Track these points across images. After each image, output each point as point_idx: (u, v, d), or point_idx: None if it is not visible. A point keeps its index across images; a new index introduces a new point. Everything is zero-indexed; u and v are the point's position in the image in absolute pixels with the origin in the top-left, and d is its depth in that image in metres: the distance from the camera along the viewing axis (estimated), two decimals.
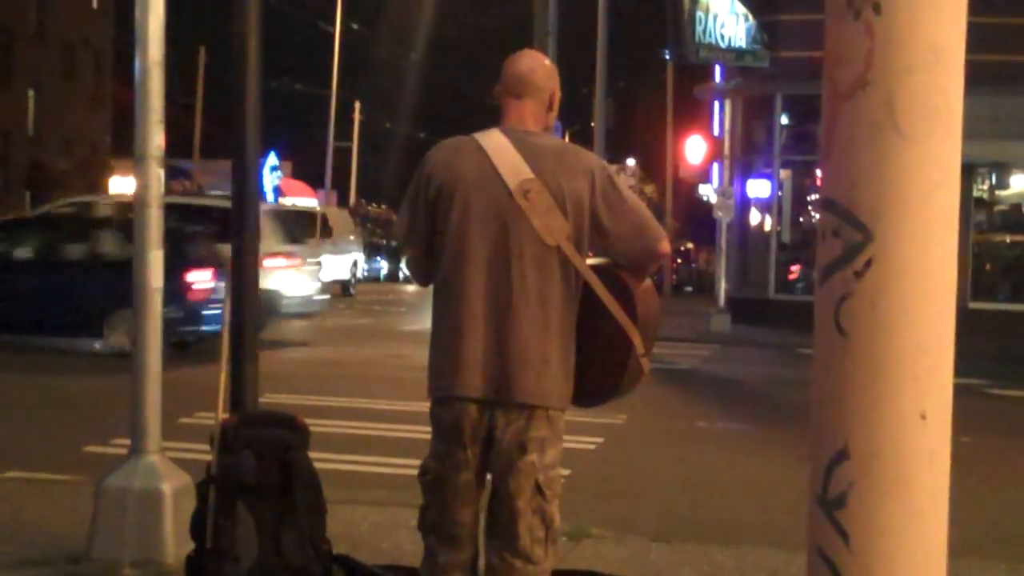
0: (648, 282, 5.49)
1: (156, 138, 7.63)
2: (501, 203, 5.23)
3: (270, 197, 65.34)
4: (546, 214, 5.20)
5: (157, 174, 7.66)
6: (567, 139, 47.43)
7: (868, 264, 3.21)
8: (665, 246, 5.44)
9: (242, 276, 6.91)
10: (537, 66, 5.51)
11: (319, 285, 26.53)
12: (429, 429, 5.40)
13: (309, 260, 26.33)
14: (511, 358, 5.18)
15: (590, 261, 5.39)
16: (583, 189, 5.26)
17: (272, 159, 66.17)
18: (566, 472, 11.48)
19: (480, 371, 5.20)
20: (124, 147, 61.28)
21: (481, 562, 5.38)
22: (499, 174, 5.25)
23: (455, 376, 5.23)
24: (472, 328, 5.21)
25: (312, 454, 6.16)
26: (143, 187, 7.66)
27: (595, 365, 5.37)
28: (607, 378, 5.42)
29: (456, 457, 5.27)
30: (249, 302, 6.91)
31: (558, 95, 5.54)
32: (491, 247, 5.23)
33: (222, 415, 6.17)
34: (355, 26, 69.75)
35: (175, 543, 7.38)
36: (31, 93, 63.43)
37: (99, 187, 66.87)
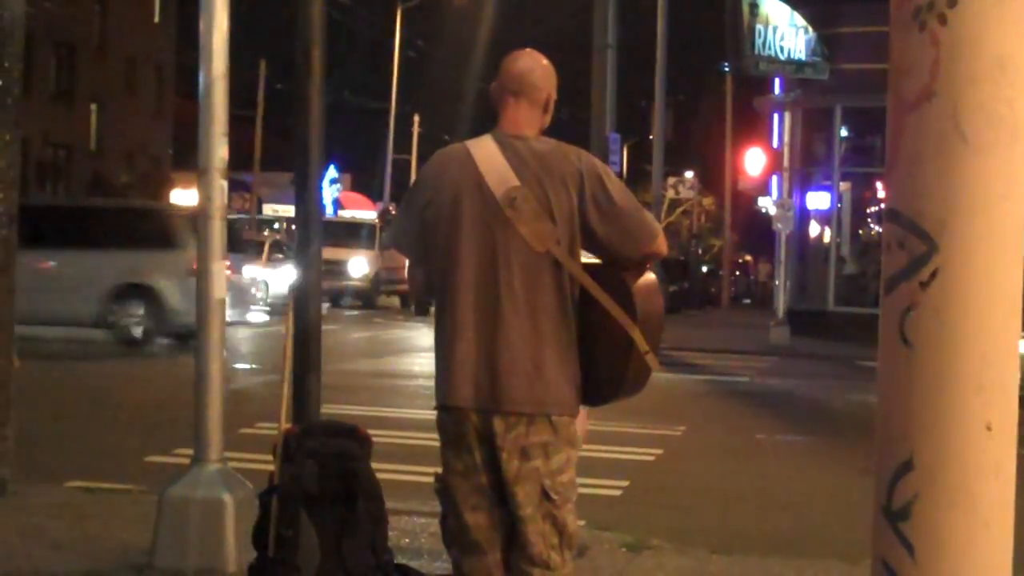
0: (649, 277, 5.38)
1: (220, 151, 7.68)
2: (488, 212, 5.21)
3: (329, 210, 65.66)
4: (534, 221, 5.16)
5: (220, 186, 7.70)
6: (625, 152, 47.42)
7: (934, 275, 3.20)
8: (659, 245, 5.35)
9: (305, 287, 6.95)
10: (536, 66, 5.43)
11: None
12: None
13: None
14: (502, 368, 5.16)
15: (587, 260, 5.34)
16: (571, 193, 5.21)
17: (331, 172, 66.44)
18: (624, 483, 11.51)
19: (473, 381, 5.18)
20: (185, 160, 61.64)
21: None
22: (486, 183, 5.22)
23: (451, 386, 5.23)
24: (464, 338, 5.20)
25: (374, 464, 6.19)
26: (206, 199, 7.70)
27: (599, 365, 5.32)
28: (611, 377, 5.34)
29: (464, 462, 5.26)
30: (312, 313, 6.95)
31: (554, 98, 5.46)
32: (480, 257, 5.21)
33: (285, 425, 6.21)
34: (418, 43, 69.99)
35: (237, 552, 7.42)
36: (93, 107, 63.89)
37: (160, 200, 67.36)
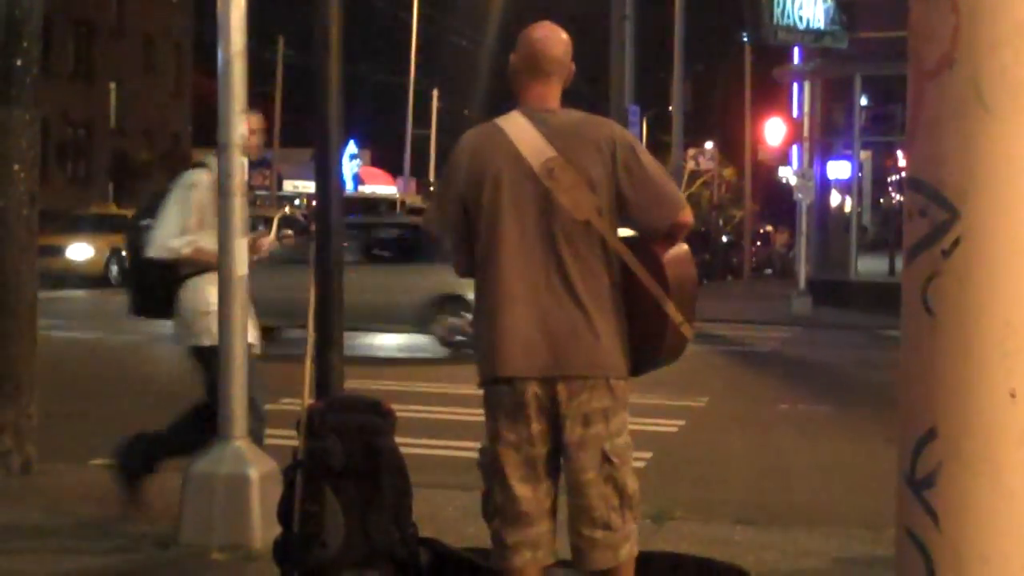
0: (680, 248, 5.46)
1: (239, 127, 7.69)
2: (528, 184, 5.29)
3: (349, 185, 65.67)
4: (572, 190, 5.25)
5: (240, 163, 7.71)
6: (644, 124, 47.39)
7: (956, 243, 3.20)
8: (686, 215, 5.43)
9: (326, 264, 6.96)
10: (557, 40, 5.51)
11: None
12: None
13: None
14: (561, 334, 5.25)
15: (623, 233, 5.43)
16: (605, 161, 5.30)
17: (351, 147, 66.41)
18: (647, 455, 11.50)
19: (531, 350, 5.26)
20: (204, 137, 61.69)
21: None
22: (523, 156, 5.30)
23: (506, 357, 5.29)
24: (514, 311, 5.28)
25: (397, 439, 6.20)
26: (226, 176, 7.71)
27: (636, 335, 5.40)
28: (647, 347, 5.43)
29: (518, 433, 5.32)
30: (333, 290, 6.96)
31: (573, 68, 5.56)
32: (523, 228, 5.30)
33: (308, 401, 6.22)
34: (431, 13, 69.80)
35: (262, 528, 7.45)
36: (112, 85, 64.00)
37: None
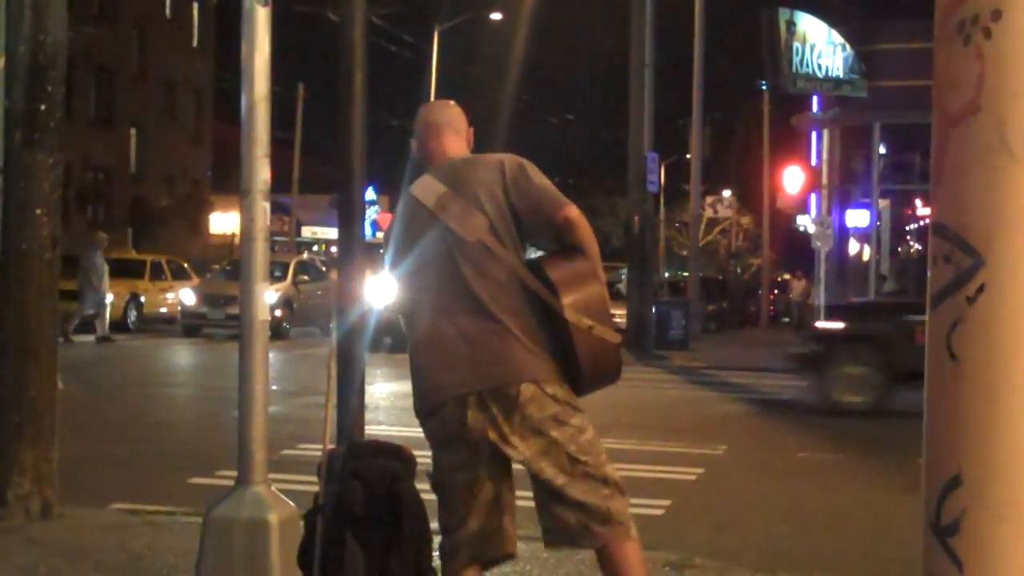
0: (575, 259, 5.57)
1: (262, 172, 7.71)
2: (427, 223, 5.66)
3: (368, 231, 65.69)
4: (463, 216, 5.58)
5: (263, 208, 7.73)
6: (662, 171, 47.49)
7: (980, 289, 3.20)
8: (569, 211, 5.59)
9: (349, 308, 6.97)
10: (442, 106, 6.17)
11: None
12: None
13: None
14: (479, 349, 5.48)
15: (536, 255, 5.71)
16: (494, 180, 5.64)
17: (369, 193, 66.57)
18: (666, 502, 11.50)
19: (457, 369, 5.50)
20: (224, 183, 61.90)
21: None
22: (420, 201, 5.70)
23: (437, 383, 5.56)
24: (437, 339, 5.57)
25: (417, 484, 6.20)
26: (249, 221, 7.73)
27: (556, 350, 5.53)
28: (570, 362, 5.52)
29: (460, 457, 5.59)
30: (356, 334, 6.97)
31: (467, 126, 6.06)
32: (430, 263, 5.64)
33: (329, 446, 6.22)
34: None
35: (282, 573, 7.42)
36: (133, 131, 64.27)
37: (200, 223, 67.65)
